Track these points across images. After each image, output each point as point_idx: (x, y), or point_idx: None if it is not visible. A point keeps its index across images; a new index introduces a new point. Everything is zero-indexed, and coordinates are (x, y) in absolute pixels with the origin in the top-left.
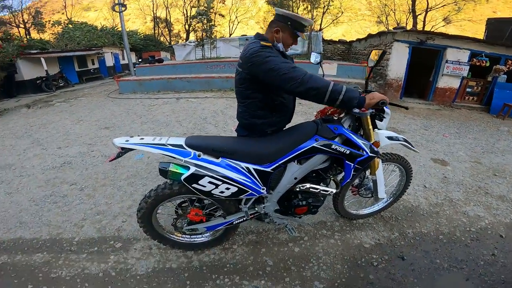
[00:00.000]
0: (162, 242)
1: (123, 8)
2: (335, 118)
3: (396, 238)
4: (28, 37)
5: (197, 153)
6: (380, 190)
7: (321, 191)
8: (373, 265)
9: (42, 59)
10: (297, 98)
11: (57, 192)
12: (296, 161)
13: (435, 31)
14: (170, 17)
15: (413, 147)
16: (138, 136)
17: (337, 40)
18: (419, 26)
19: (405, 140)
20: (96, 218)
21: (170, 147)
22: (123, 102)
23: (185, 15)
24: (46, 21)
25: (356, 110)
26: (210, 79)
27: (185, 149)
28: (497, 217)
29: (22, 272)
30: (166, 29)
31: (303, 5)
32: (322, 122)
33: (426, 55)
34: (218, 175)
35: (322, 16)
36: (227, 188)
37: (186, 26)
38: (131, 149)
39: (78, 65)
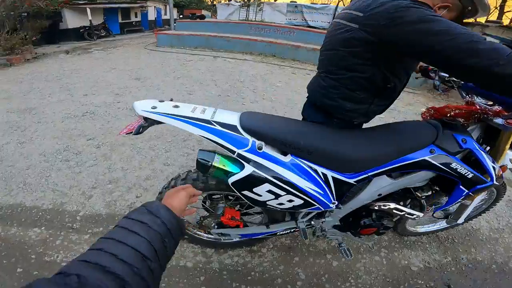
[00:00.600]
0: (188, 239)
1: None
2: (461, 123)
3: (447, 264)
4: None
5: (257, 143)
6: (464, 215)
7: (406, 215)
8: None
9: (88, 10)
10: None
11: (71, 147)
12: (394, 172)
13: None
14: None
15: None
16: (171, 101)
17: None
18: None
19: None
20: (108, 188)
21: (219, 127)
22: (159, 54)
23: None
24: None
25: (500, 121)
26: (252, 41)
27: (240, 133)
28: None
29: (13, 250)
30: None
31: None
32: (443, 127)
33: None
34: (283, 183)
35: None
36: (290, 201)
37: None
38: (159, 122)
39: (122, 17)
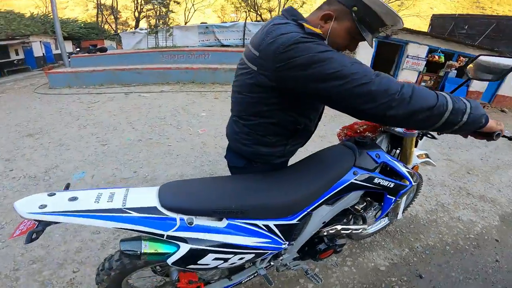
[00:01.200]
0: None
1: None
2: (370, 138)
3: (407, 255)
4: None
5: (186, 218)
6: (401, 210)
7: (353, 231)
8: None
9: None
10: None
11: None
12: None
13: None
14: (117, 4)
15: (433, 164)
16: (66, 189)
17: None
18: None
19: (427, 156)
20: (34, 268)
21: (135, 214)
22: (55, 99)
23: (135, 1)
24: None
25: (400, 129)
26: (166, 70)
27: (163, 214)
28: (486, 220)
29: None
30: (112, 16)
31: None
32: (358, 147)
33: (388, 49)
34: (227, 247)
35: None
36: (241, 258)
37: (136, 13)
38: (56, 222)
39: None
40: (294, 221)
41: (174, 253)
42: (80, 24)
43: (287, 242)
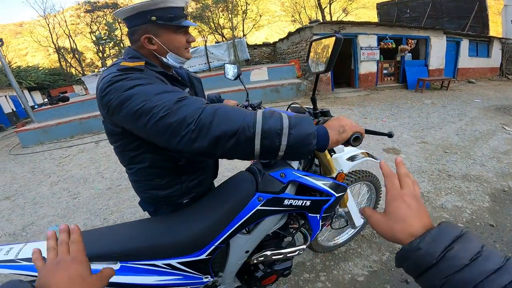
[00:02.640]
0: None
1: None
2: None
3: (388, 259)
4: None
5: None
6: (356, 218)
7: (288, 254)
8: None
9: None
10: None
11: None
12: (241, 230)
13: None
14: (76, 46)
15: (376, 158)
16: None
17: (262, 43)
18: (327, 19)
19: (367, 154)
20: None
21: (25, 263)
22: (27, 158)
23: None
24: None
25: None
26: None
27: None
28: (474, 202)
29: None
30: (75, 59)
31: (223, 15)
32: (262, 168)
33: (344, 45)
34: (126, 287)
35: (243, 22)
36: None
37: (100, 54)
38: None
39: None
40: (203, 257)
41: None
42: (44, 71)
43: (209, 276)
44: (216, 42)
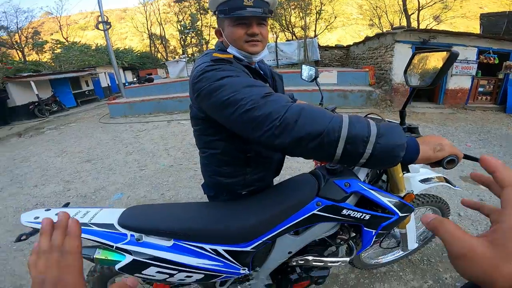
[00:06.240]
0: None
1: (107, 26)
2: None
3: None
4: (22, 59)
5: (136, 235)
6: (410, 241)
7: (329, 264)
8: None
9: (32, 83)
10: None
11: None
12: (291, 231)
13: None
14: (164, 33)
15: (455, 186)
16: (66, 206)
17: (334, 45)
18: (413, 26)
19: (445, 179)
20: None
21: (95, 228)
22: (112, 128)
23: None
24: (35, 42)
25: None
26: None
27: (117, 230)
28: None
29: None
30: (162, 46)
31: (295, 12)
32: (326, 174)
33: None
34: (170, 264)
35: (316, 23)
36: (188, 276)
37: (182, 42)
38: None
39: (73, 87)
40: (248, 249)
41: (121, 261)
42: (137, 54)
43: (247, 268)
44: (286, 40)
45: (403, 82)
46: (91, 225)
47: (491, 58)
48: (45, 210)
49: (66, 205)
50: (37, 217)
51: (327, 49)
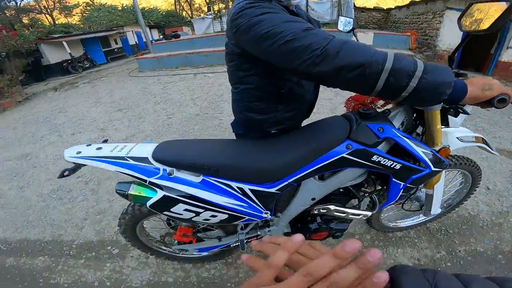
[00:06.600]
0: (155, 254)
1: None
2: (379, 110)
3: (441, 258)
4: (51, 22)
5: (168, 169)
6: (435, 205)
7: (350, 215)
8: None
9: (64, 43)
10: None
11: (63, 186)
12: (315, 175)
13: None
14: None
15: (493, 150)
16: (105, 141)
17: (372, 7)
18: None
19: (483, 140)
20: (97, 218)
21: (131, 161)
22: (141, 80)
23: None
24: (63, 6)
25: None
26: None
27: (151, 164)
28: None
29: (25, 277)
30: (187, 3)
31: None
32: (359, 118)
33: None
34: (197, 201)
35: None
36: (214, 216)
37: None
38: (85, 164)
39: (103, 45)
40: (273, 190)
41: (152, 198)
42: (162, 13)
43: (269, 212)
44: None
45: (449, 49)
46: (128, 159)
47: None
48: (86, 146)
49: (105, 141)
50: (79, 152)
51: (363, 11)
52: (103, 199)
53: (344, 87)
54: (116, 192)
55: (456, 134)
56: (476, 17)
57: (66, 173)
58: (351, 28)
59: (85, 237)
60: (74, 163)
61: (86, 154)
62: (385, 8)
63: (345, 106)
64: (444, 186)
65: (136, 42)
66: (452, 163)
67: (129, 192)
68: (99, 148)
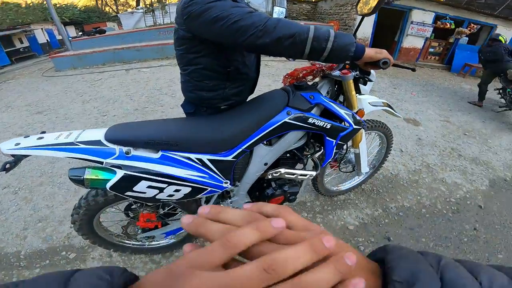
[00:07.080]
0: (119, 250)
1: None
2: (309, 83)
3: (379, 216)
4: None
5: (125, 149)
6: (363, 163)
7: (299, 176)
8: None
9: None
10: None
11: None
12: (264, 142)
13: None
14: None
15: (397, 112)
16: (43, 133)
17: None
18: None
19: (388, 105)
20: (39, 226)
21: (82, 145)
22: (60, 80)
23: None
24: None
25: (337, 73)
26: (164, 45)
27: (105, 145)
28: (473, 183)
29: None
30: None
31: None
32: (294, 90)
33: (391, 15)
34: (160, 176)
35: None
36: (177, 190)
37: None
38: (27, 155)
39: (5, 46)
40: (229, 158)
41: (111, 179)
42: (80, 9)
43: (229, 182)
44: None
45: (364, 37)
46: (78, 144)
47: (447, 23)
48: (24, 137)
49: (43, 132)
50: (18, 143)
51: (295, 3)
52: (40, 206)
53: (281, 54)
54: (70, 179)
55: (368, 100)
56: (365, 3)
57: (8, 166)
58: (283, 17)
59: (32, 246)
60: (14, 155)
61: (27, 145)
62: (313, 0)
63: (282, 82)
64: (366, 147)
65: (47, 40)
66: (369, 126)
67: (84, 177)
68: (41, 138)
